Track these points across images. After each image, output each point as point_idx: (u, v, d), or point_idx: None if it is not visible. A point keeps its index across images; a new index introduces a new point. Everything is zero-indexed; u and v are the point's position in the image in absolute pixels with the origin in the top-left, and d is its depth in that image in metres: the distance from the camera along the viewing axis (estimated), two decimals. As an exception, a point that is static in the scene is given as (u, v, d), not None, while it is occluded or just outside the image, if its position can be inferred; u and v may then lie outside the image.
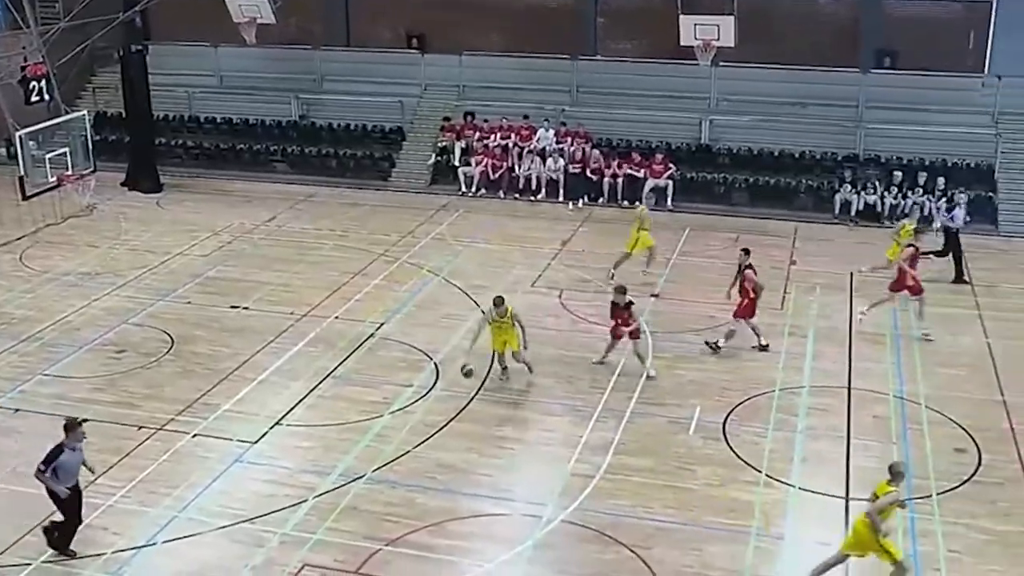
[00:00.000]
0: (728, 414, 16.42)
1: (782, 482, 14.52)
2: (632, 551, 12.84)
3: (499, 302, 16.79)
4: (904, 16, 29.08)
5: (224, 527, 13.25)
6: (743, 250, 19.17)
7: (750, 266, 18.69)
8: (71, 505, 12.23)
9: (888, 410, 16.73)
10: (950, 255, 22.91)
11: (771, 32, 29.13)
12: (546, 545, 13.04)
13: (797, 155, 28.50)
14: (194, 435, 15.58)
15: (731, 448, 15.44)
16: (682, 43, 26.59)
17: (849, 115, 28.73)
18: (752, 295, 18.67)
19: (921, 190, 26.42)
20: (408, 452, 15.18)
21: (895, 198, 26.50)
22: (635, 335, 17.54)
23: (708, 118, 29.44)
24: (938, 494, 14.26)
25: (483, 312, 17.36)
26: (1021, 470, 14.86)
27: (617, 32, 31.22)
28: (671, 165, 28.00)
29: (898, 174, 26.82)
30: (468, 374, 16.68)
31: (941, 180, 26.34)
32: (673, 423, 16.12)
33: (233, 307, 20.74)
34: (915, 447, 15.56)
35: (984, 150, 27.63)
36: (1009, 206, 26.51)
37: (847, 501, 14.07)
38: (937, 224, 25.76)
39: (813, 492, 14.29)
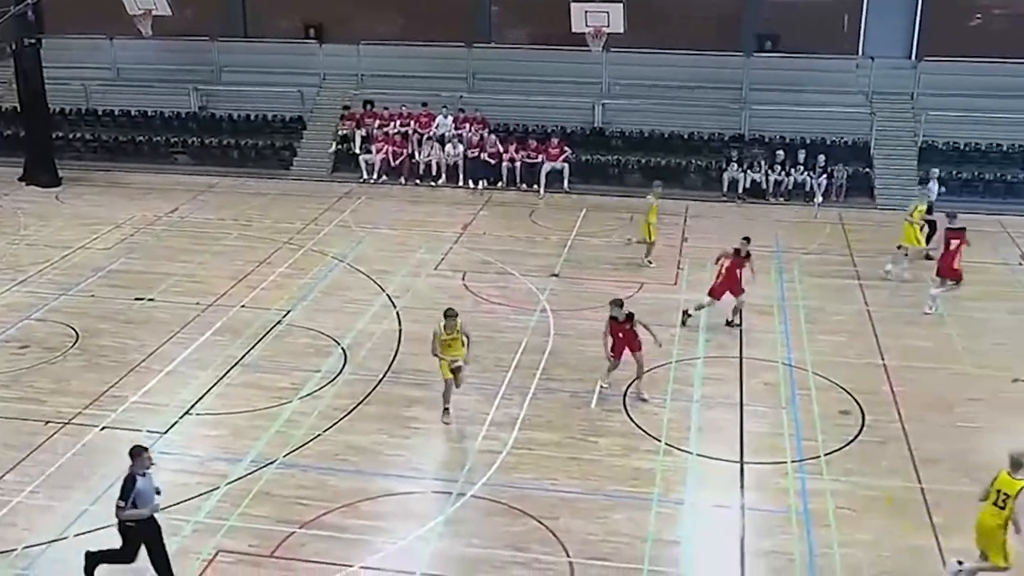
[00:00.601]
0: (627, 387, 16.65)
1: (680, 450, 14.84)
2: (540, 522, 13.00)
3: (451, 314, 15.32)
4: (783, 2, 29.72)
5: (137, 517, 13.06)
6: (744, 238, 19.24)
7: (743, 253, 18.88)
8: (147, 535, 11.33)
9: (777, 377, 17.22)
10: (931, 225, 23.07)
11: (658, 19, 29.53)
12: (457, 520, 13.13)
13: (686, 136, 29.00)
14: (103, 428, 15.24)
15: (631, 419, 15.71)
16: (574, 30, 26.73)
17: (734, 97, 29.33)
18: (728, 277, 18.86)
19: (802, 167, 27.15)
20: (318, 436, 15.10)
21: (779, 175, 27.15)
22: (637, 348, 16.10)
23: (601, 102, 29.74)
24: (826, 454, 14.75)
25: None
26: (901, 429, 15.43)
27: (511, 20, 31.32)
28: (566, 148, 28.21)
29: (781, 153, 27.49)
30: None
31: (821, 157, 27.16)
32: (575, 397, 16.33)
33: (138, 299, 20.29)
34: (803, 411, 16.04)
35: (860, 128, 28.48)
36: (884, 180, 27.38)
37: (741, 465, 14.47)
38: (818, 199, 26.53)
39: (710, 458, 14.63)
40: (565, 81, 30.20)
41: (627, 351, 16.03)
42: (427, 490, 13.86)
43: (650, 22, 28.97)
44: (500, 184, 28.35)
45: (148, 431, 15.07)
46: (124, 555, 11.32)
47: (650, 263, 22.35)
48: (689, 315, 19.17)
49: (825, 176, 26.92)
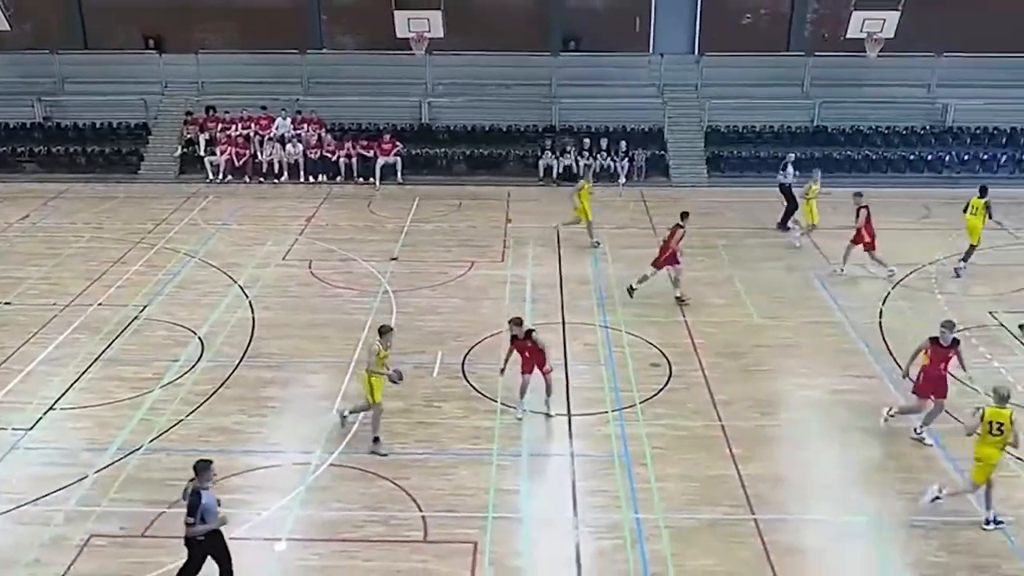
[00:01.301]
0: (465, 355, 16.80)
1: (516, 407, 15.00)
2: (394, 483, 13.04)
3: (386, 330, 13.89)
4: (583, 6, 30.30)
5: (8, 511, 12.36)
6: (683, 213, 19.50)
7: (681, 228, 19.03)
8: (212, 547, 10.66)
9: (596, 338, 17.65)
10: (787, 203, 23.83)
11: (475, 23, 29.60)
12: (317, 488, 13.01)
13: (504, 129, 29.22)
14: (-33, 428, 14.39)
15: (470, 384, 15.85)
16: (398, 35, 26.54)
17: (545, 92, 29.71)
18: (670, 250, 18.99)
19: (607, 152, 27.81)
20: (181, 421, 14.66)
21: (587, 160, 27.71)
22: (542, 363, 14.63)
23: (426, 100, 29.65)
24: (640, 403, 15.25)
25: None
26: (702, 376, 16.10)
27: (340, 27, 30.83)
28: (398, 144, 28.03)
29: (587, 140, 28.06)
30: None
31: (623, 143, 27.87)
32: (419, 367, 16.31)
33: (-6, 303, 19.16)
34: (619, 366, 16.51)
35: (654, 116, 29.33)
36: (676, 161, 28.32)
37: (569, 418, 14.80)
38: (622, 180, 27.23)
39: (542, 413, 14.87)
40: (393, 82, 29.95)
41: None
42: (288, 463, 13.64)
43: (467, 26, 29.02)
44: (339, 179, 27.91)
45: (13, 428, 14.31)
46: (193, 569, 10.68)
47: (597, 244, 22.44)
48: (634, 288, 19.22)
49: (627, 160, 27.67)
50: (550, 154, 27.88)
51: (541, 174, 27.84)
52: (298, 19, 30.61)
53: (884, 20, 25.80)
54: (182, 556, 10.69)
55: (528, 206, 25.76)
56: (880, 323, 18.24)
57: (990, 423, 12.01)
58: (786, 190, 23.88)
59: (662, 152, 28.50)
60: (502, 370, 14.87)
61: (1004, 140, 28.37)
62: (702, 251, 22.00)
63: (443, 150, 28.86)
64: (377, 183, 27.57)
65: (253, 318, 18.40)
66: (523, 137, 29.07)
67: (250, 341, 17.40)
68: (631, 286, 19.24)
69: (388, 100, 29.78)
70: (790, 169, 24.07)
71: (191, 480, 10.45)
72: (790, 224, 23.52)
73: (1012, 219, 24.01)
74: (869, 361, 16.74)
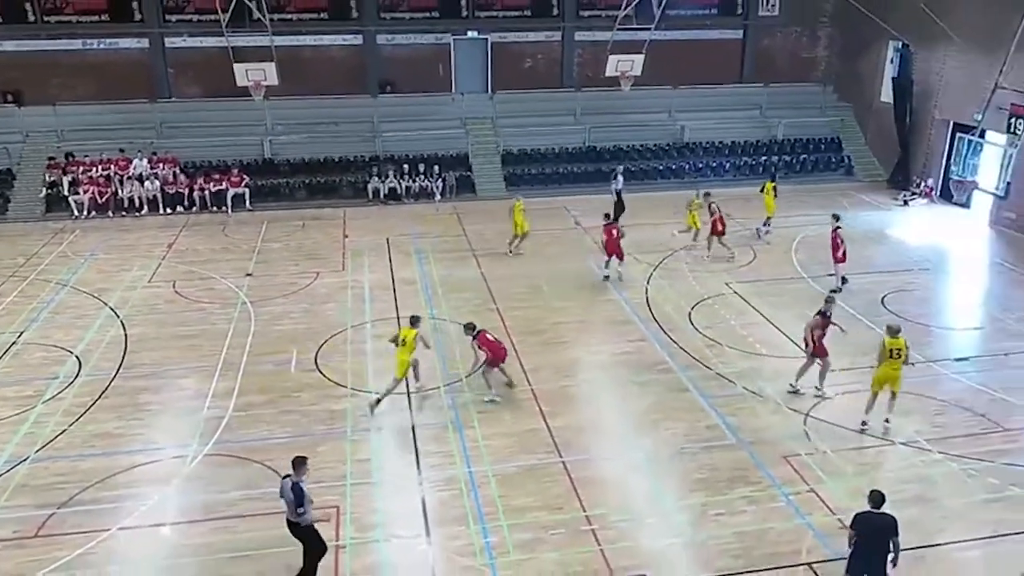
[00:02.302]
0: (317, 351, 16.46)
1: (363, 391, 14.90)
2: (263, 464, 12.64)
3: (416, 321, 14.27)
4: (395, 56, 30.04)
5: (-99, 529, 11.13)
6: (605, 215, 20.60)
7: (616, 228, 19.85)
8: (316, 536, 10.10)
9: (426, 327, 17.64)
10: (617, 207, 24.13)
11: (304, 72, 28.82)
12: (195, 476, 12.47)
13: (337, 159, 28.65)
14: None
15: (323, 375, 15.56)
16: (238, 84, 25.55)
17: (368, 128, 29.35)
18: (615, 240, 19.65)
19: (423, 175, 27.81)
20: (65, 431, 13.65)
21: (408, 182, 27.61)
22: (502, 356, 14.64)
23: (267, 138, 28.66)
24: (465, 377, 15.39)
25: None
26: (513, 350, 16.36)
27: (186, 79, 29.22)
28: (245, 176, 27.01)
29: (406, 166, 27.94)
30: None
31: (436, 167, 27.90)
32: (278, 365, 15.91)
33: None
34: (447, 348, 16.60)
35: (460, 143, 29.53)
36: (481, 179, 28.65)
37: (408, 395, 14.74)
38: (438, 197, 27.29)
39: (425, 391, 14.74)
40: (237, 124, 28.77)
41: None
42: (166, 457, 12.97)
43: (298, 75, 28.25)
44: (194, 209, 26.54)
45: (-100, 454, 12.85)
46: (319, 552, 10.11)
47: (519, 252, 22.13)
48: (608, 277, 19.89)
49: (441, 180, 27.75)
50: (376, 179, 27.60)
51: (370, 196, 27.51)
52: (147, 72, 28.84)
53: (633, 61, 27.03)
54: (76, 550, 9.98)
55: (361, 223, 25.39)
56: (647, 298, 19.16)
57: (890, 350, 13.05)
58: (618, 194, 24.49)
59: (468, 172, 28.75)
60: (470, 373, 15.04)
61: (727, 151, 30.34)
62: (505, 251, 22.40)
63: (285, 180, 27.98)
64: (229, 211, 26.43)
65: (125, 335, 17.30)
66: (353, 166, 28.60)
67: (124, 355, 16.36)
68: (608, 276, 19.98)
69: (234, 139, 28.57)
70: (620, 178, 24.71)
71: (286, 476, 9.95)
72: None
73: (738, 212, 25.72)
74: (640, 328, 17.56)
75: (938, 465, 12.71)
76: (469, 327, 14.71)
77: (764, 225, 23.32)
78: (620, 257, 19.94)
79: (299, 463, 9.95)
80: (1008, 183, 22.56)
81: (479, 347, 14.44)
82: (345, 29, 29.47)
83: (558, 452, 12.97)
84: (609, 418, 14.06)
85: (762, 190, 23.81)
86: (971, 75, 24.56)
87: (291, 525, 10.03)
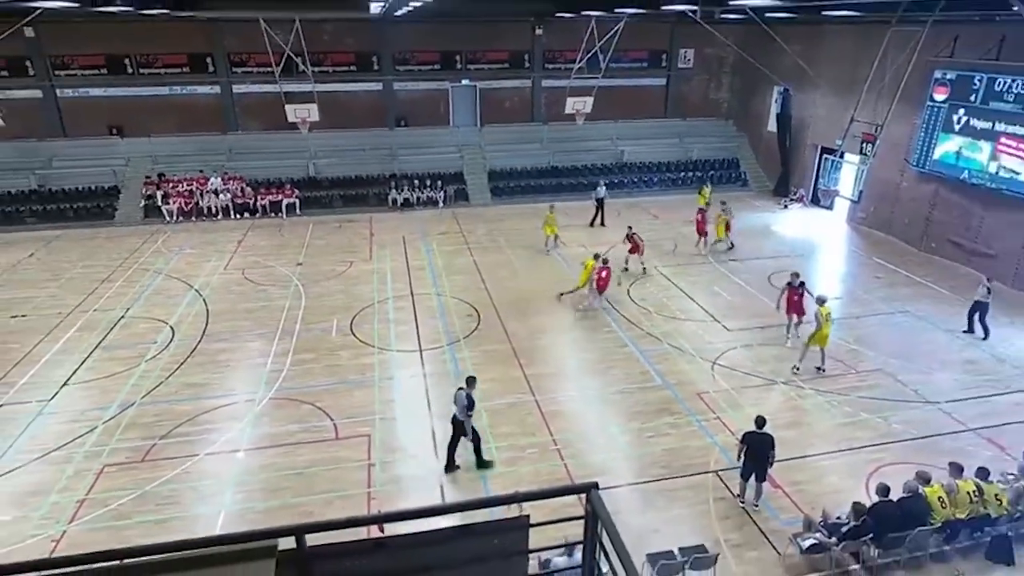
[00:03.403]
0: (352, 319, 16.36)
1: (387, 349, 14.85)
2: (313, 405, 12.64)
3: (600, 256, 16.38)
4: (408, 98, 29.66)
5: (39, 458, 11.04)
6: (629, 226, 19.67)
7: (634, 236, 19.02)
8: (473, 429, 10.71)
9: (433, 303, 17.57)
10: (599, 211, 23.94)
11: (339, 111, 28.38)
12: (261, 415, 12.40)
13: (365, 176, 28.28)
14: (1, 405, 12.63)
15: (357, 338, 15.46)
16: (289, 120, 25.13)
17: (388, 152, 28.97)
18: (637, 245, 18.98)
19: (430, 188, 27.56)
20: (163, 382, 13.52)
21: (419, 193, 27.34)
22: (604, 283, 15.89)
23: (312, 161, 28.23)
24: (463, 338, 15.36)
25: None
26: (499, 320, 16.34)
27: (249, 115, 28.68)
28: (296, 190, 26.62)
29: (416, 181, 27.66)
30: None
31: (439, 182, 27.64)
32: (322, 331, 15.80)
33: (13, 316, 16.79)
34: (448, 319, 16.55)
35: (457, 164, 29.22)
36: (472, 191, 28.37)
37: (421, 352, 14.74)
38: (441, 205, 26.99)
39: (403, 351, 14.78)
40: (289, 151, 28.26)
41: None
42: (240, 400, 12.90)
43: (334, 113, 27.81)
44: (258, 215, 26.17)
45: (37, 401, 12.70)
46: (478, 440, 10.79)
47: (558, 247, 21.40)
48: (639, 272, 19.07)
49: (442, 192, 27.54)
50: (394, 191, 27.30)
51: (390, 204, 27.22)
52: (219, 111, 28.29)
53: (585, 102, 26.83)
54: (174, 470, 9.93)
55: (384, 225, 25.16)
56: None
57: (824, 315, 13.19)
58: (599, 200, 24.15)
59: (463, 186, 28.54)
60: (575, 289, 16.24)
61: (656, 169, 30.30)
62: (491, 244, 22.34)
63: (325, 192, 27.58)
64: (284, 216, 26.07)
65: (207, 310, 17.12)
66: (376, 181, 28.24)
67: (206, 325, 16.18)
68: (636, 269, 19.16)
69: (286, 162, 28.07)
70: (601, 188, 24.32)
71: (460, 388, 10.57)
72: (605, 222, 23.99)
73: (664, 214, 25.79)
74: (593, 301, 17.58)
75: (809, 398, 12.93)
76: (596, 256, 16.20)
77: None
78: (641, 253, 19.30)
79: (471, 381, 10.61)
80: (861, 191, 22.78)
81: (599, 273, 15.53)
82: (369, 79, 29.00)
83: (532, 392, 13.04)
84: (570, 367, 14.14)
85: (700, 191, 24.60)
86: (834, 111, 24.66)
87: (455, 421, 10.62)
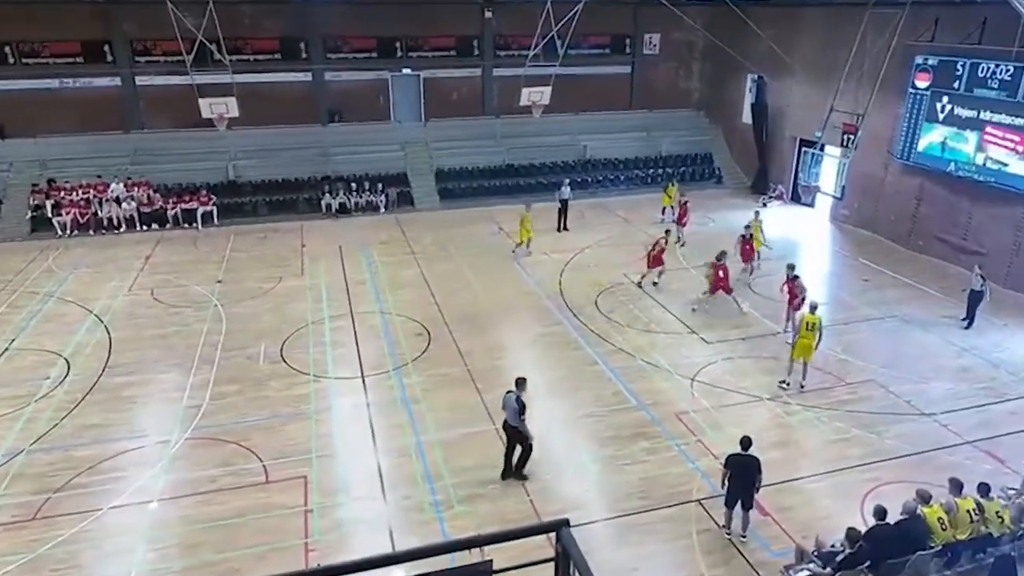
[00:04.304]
0: (282, 344, 16.07)
1: (324, 377, 14.64)
2: (239, 445, 12.30)
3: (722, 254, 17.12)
4: (342, 89, 29.42)
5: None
6: (667, 231, 20.14)
7: (664, 240, 19.14)
8: (528, 433, 11.15)
9: (376, 321, 17.43)
10: (563, 213, 24.19)
11: (263, 104, 27.90)
12: (178, 457, 12.03)
13: (294, 180, 27.90)
14: None
15: (288, 364, 15.20)
16: (204, 116, 24.58)
17: (320, 152, 28.68)
18: (658, 254, 18.90)
19: (369, 191, 27.37)
20: (57, 424, 12.97)
21: (356, 197, 27.13)
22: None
23: (231, 163, 27.71)
24: (411, 361, 15.27)
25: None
26: (450, 337, 16.33)
27: (156, 111, 27.94)
28: (212, 196, 26.06)
29: (354, 184, 27.44)
30: None
31: (380, 184, 27.49)
32: (248, 358, 15.46)
33: None
34: (395, 338, 16.43)
35: (400, 164, 29.12)
36: (418, 194, 28.32)
37: (363, 378, 14.57)
38: (383, 210, 26.85)
39: (343, 378, 14.59)
40: (204, 151, 27.66)
41: None
42: (151, 443, 12.46)
43: (256, 107, 27.27)
44: (168, 226, 25.48)
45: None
46: (531, 444, 11.19)
47: (529, 253, 21.59)
48: (641, 285, 19.21)
49: (384, 195, 27.38)
50: (328, 195, 27.01)
51: (324, 210, 26.90)
52: (119, 107, 27.50)
53: (542, 92, 27.07)
54: (72, 528, 9.50)
55: (317, 233, 24.83)
56: (560, 289, 19.34)
57: (806, 324, 13.49)
58: (563, 202, 24.32)
59: (407, 188, 28.43)
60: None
61: (621, 166, 30.82)
62: (441, 253, 22.30)
63: (248, 198, 27.09)
64: (199, 227, 25.47)
65: (110, 338, 16.53)
66: (307, 184, 27.87)
67: (109, 356, 15.61)
68: (640, 283, 19.24)
69: (202, 164, 27.45)
70: (565, 188, 24.46)
71: (509, 392, 11.06)
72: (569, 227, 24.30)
73: (631, 215, 26.23)
74: (555, 314, 17.72)
75: (797, 414, 13.27)
76: (723, 254, 16.84)
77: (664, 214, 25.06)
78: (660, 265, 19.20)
79: (521, 382, 11.09)
80: (843, 187, 23.60)
81: (717, 273, 16.31)
82: (296, 68, 28.68)
83: (491, 420, 12.99)
84: (533, 390, 14.11)
85: (666, 190, 25.38)
86: (812, 100, 25.56)
87: (509, 428, 11.08)
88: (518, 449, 11.36)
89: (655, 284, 19.20)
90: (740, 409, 13.42)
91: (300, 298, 18.83)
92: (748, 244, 19.68)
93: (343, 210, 26.97)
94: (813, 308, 13.86)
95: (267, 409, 13.45)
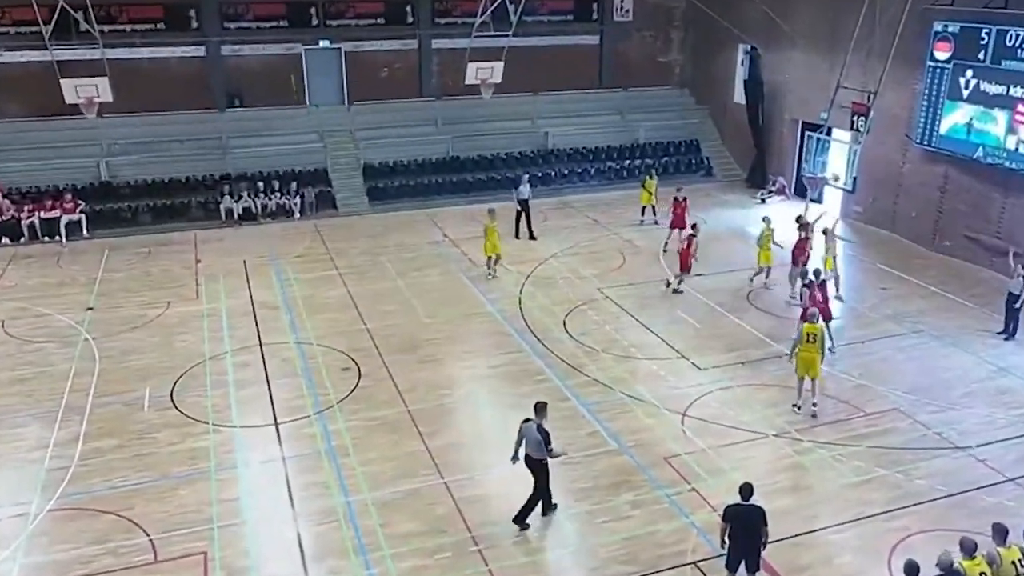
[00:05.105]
0: (173, 386, 15.74)
1: (227, 426, 14.38)
2: (117, 515, 11.98)
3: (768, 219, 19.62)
4: (243, 67, 29.16)
5: None
6: (693, 224, 20.57)
7: (695, 236, 19.88)
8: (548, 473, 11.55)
9: (292, 354, 17.23)
10: (522, 217, 24.32)
11: (142, 86, 27.45)
12: (39, 534, 11.64)
13: (184, 179, 27.47)
14: None
15: (181, 412, 14.88)
16: (67, 102, 24.08)
17: (217, 144, 28.32)
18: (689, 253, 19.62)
19: (280, 193, 27.14)
20: None
21: (264, 200, 26.85)
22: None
23: (104, 159, 27.14)
24: (337, 402, 15.13)
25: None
26: (386, 371, 16.25)
27: (6, 96, 27.19)
28: (80, 201, 25.47)
29: (261, 183, 27.17)
30: None
31: (294, 184, 27.28)
32: (129, 405, 15.10)
33: None
34: (315, 374, 16.25)
35: (318, 157, 28.95)
36: (342, 195, 28.20)
37: (276, 426, 14.35)
38: (297, 215, 26.72)
39: (251, 426, 14.36)
40: (69, 145, 27.04)
41: None
42: (4, 516, 11.99)
43: (135, 90, 26.86)
44: (23, 240, 24.76)
45: None
46: (544, 491, 11.51)
47: (493, 275, 21.28)
48: (670, 285, 20.14)
49: (299, 197, 27.15)
50: (229, 198, 26.66)
51: (223, 217, 26.53)
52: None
53: (492, 68, 27.35)
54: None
55: (215, 246, 24.44)
56: (520, 308, 19.41)
57: (806, 335, 13.95)
58: (523, 203, 24.36)
59: (329, 188, 28.25)
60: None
61: (591, 157, 31.16)
62: (372, 267, 22.18)
63: (127, 203, 26.53)
64: (63, 240, 24.82)
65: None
66: (202, 185, 27.48)
67: (-52, 407, 15.06)
68: (673, 288, 20.06)
69: (66, 161, 26.82)
70: (524, 187, 24.49)
71: (527, 420, 11.32)
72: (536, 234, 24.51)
73: (604, 217, 26.51)
74: (516, 340, 17.76)
75: (809, 453, 13.51)
76: (814, 273, 17.08)
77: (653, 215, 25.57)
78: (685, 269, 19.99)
79: (541, 407, 11.44)
80: (855, 178, 24.29)
81: (810, 297, 16.34)
82: (185, 40, 28.36)
83: (439, 473, 12.91)
84: (490, 433, 14.12)
85: (643, 185, 25.56)
86: (815, 75, 26.31)
87: (531, 461, 11.37)
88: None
89: (676, 291, 19.97)
90: (741, 449, 13.61)
91: (195, 328, 18.46)
92: (801, 244, 19.71)
93: (248, 216, 26.65)
94: (814, 318, 14.21)
95: (154, 469, 13.09)
